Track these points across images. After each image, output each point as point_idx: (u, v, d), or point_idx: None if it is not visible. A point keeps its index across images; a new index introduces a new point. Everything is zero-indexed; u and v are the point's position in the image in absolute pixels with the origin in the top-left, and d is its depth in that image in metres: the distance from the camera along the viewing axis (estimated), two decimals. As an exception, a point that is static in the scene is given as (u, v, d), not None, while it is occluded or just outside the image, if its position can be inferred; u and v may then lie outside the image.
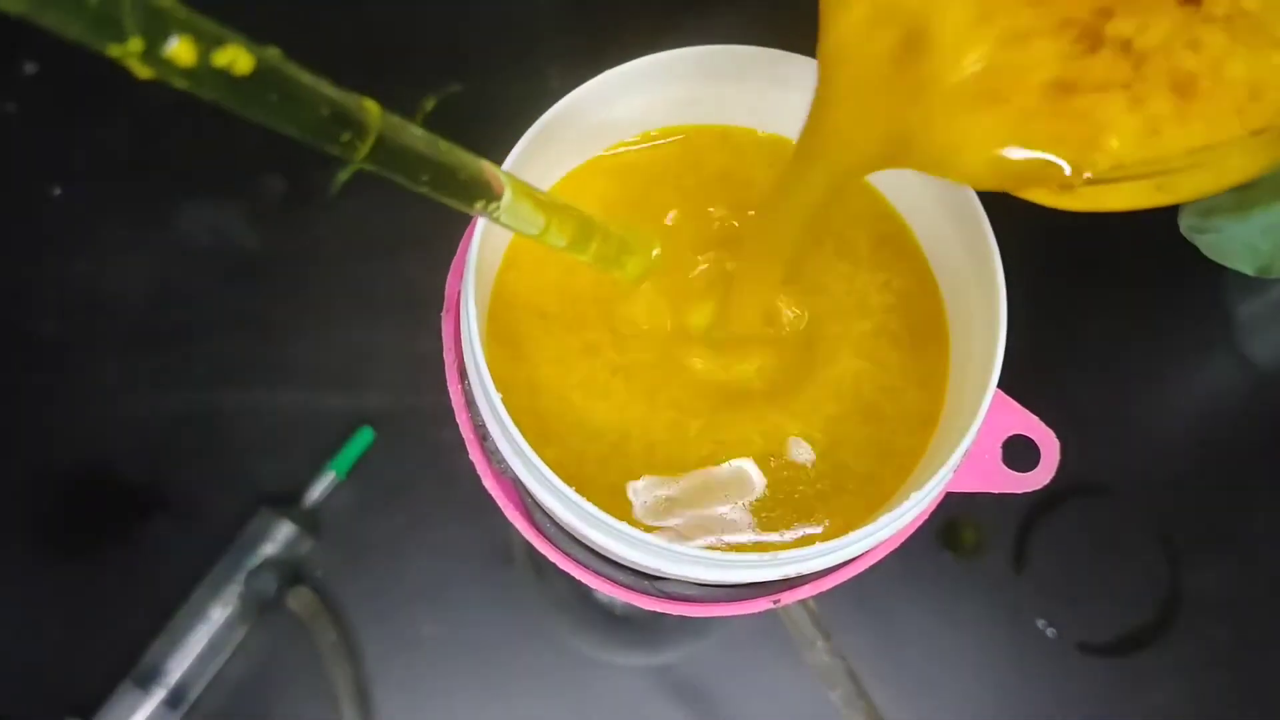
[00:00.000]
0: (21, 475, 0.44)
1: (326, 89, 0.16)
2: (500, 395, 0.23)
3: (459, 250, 0.27)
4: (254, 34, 0.14)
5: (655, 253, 0.26)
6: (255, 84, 0.14)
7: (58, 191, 0.48)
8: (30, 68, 0.49)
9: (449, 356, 0.26)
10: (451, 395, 0.26)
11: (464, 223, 0.27)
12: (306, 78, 0.15)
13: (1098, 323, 0.48)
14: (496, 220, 0.21)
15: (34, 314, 0.46)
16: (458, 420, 0.26)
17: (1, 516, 0.44)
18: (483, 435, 0.25)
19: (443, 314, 0.27)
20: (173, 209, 0.48)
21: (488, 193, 0.20)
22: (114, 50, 0.12)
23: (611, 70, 0.26)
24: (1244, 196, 0.40)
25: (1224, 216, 0.42)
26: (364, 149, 0.17)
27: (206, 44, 0.13)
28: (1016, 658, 0.43)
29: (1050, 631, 0.43)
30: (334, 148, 0.16)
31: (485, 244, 0.25)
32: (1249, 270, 0.42)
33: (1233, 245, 0.42)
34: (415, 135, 0.18)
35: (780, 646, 0.41)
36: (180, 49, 0.13)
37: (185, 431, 0.45)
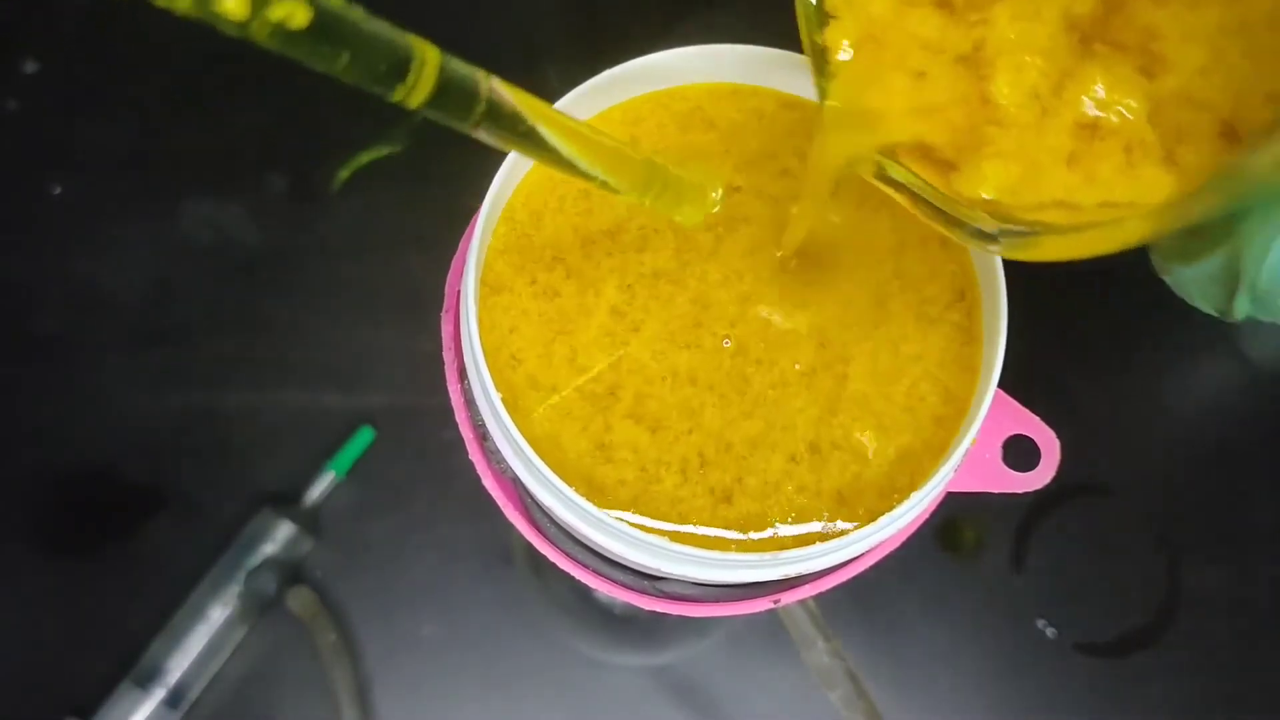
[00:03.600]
0: (21, 475, 0.44)
1: (386, 30, 0.16)
2: (500, 395, 0.23)
3: (459, 250, 0.27)
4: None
5: (717, 194, 0.25)
6: (313, 34, 0.14)
7: (58, 189, 0.48)
8: (30, 66, 0.49)
9: (449, 356, 0.26)
10: (451, 395, 0.26)
11: (464, 223, 0.27)
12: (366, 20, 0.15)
13: (1098, 323, 0.48)
14: (552, 160, 0.20)
15: (34, 312, 0.46)
16: (458, 420, 0.26)
17: (1, 516, 0.44)
18: (483, 435, 0.25)
19: (443, 314, 0.27)
20: (173, 207, 0.48)
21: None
22: None
23: (611, 70, 0.26)
24: (1187, 246, 0.40)
25: (1176, 262, 0.42)
26: (423, 92, 0.17)
27: None
28: (1016, 658, 0.43)
29: (1050, 631, 0.43)
30: (390, 90, 0.16)
31: (485, 244, 0.25)
32: (1210, 310, 0.42)
33: (1190, 287, 0.42)
34: (466, 73, 0.18)
35: (780, 646, 0.41)
36: None
37: (185, 431, 0.45)
